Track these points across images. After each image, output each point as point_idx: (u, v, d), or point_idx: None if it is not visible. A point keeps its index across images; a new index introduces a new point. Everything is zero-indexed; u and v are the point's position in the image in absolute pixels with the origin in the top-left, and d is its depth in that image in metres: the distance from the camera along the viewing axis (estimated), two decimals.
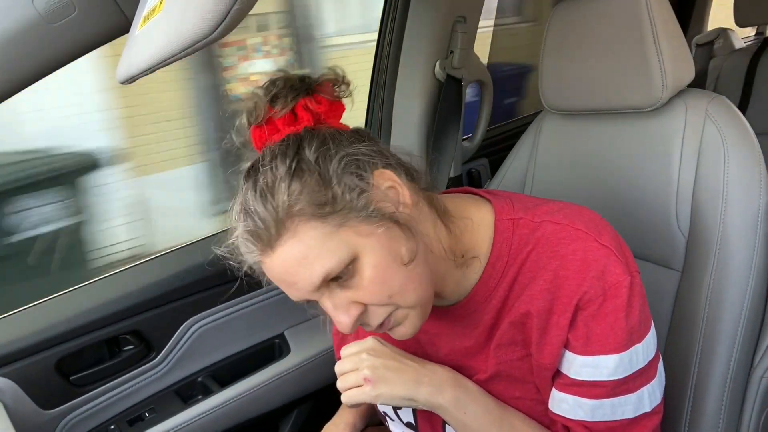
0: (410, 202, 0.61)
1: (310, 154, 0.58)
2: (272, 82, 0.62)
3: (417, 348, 0.76)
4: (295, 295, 0.61)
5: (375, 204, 0.59)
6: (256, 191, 0.57)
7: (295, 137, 0.59)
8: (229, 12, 0.40)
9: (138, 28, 0.58)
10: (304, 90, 0.61)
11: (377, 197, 0.59)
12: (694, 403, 0.81)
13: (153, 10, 0.53)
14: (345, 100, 0.65)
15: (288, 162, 0.57)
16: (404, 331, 0.65)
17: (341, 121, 0.65)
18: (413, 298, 0.62)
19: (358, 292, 0.60)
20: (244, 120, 0.62)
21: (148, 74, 0.53)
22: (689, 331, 0.82)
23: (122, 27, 0.69)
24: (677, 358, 0.84)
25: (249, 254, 0.60)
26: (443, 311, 0.72)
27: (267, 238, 0.57)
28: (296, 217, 0.56)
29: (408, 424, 0.80)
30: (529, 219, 0.67)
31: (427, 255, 0.64)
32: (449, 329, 0.72)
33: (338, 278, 0.59)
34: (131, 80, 0.57)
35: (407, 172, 0.65)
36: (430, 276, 0.64)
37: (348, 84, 0.64)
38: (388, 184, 0.60)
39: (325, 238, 0.57)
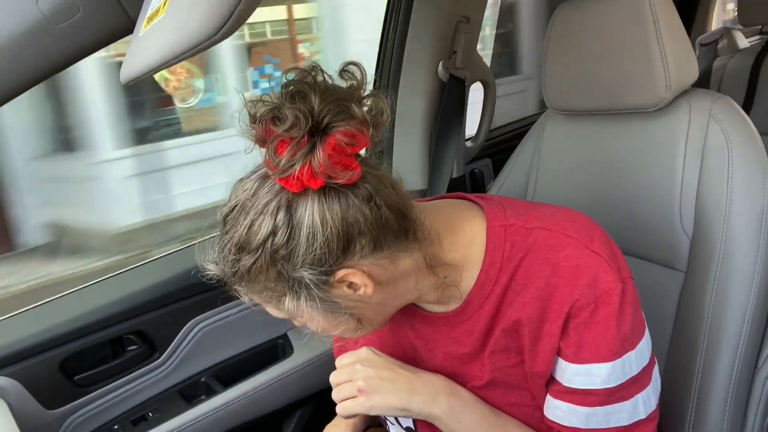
0: (373, 292, 0.60)
1: (277, 246, 0.55)
2: (280, 117, 0.53)
3: (413, 354, 0.76)
4: None
5: (326, 302, 0.60)
6: (231, 239, 0.58)
7: (276, 204, 0.55)
8: (233, 13, 0.40)
9: (142, 29, 0.58)
10: (305, 155, 0.52)
11: (335, 294, 0.60)
12: (698, 405, 0.80)
13: (157, 11, 0.53)
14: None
15: (258, 244, 0.55)
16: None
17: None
18: (357, 335, 0.68)
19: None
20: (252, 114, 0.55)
21: (152, 75, 0.53)
22: (693, 331, 0.82)
23: (126, 28, 0.69)
24: (681, 358, 0.83)
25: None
26: (439, 318, 0.71)
27: (227, 281, 0.61)
28: (246, 291, 0.61)
29: (407, 429, 0.80)
30: (521, 225, 0.66)
31: (384, 306, 0.66)
32: (445, 336, 0.72)
33: None
34: (135, 81, 0.57)
35: (396, 234, 0.60)
36: (384, 316, 0.68)
37: (381, 127, 0.56)
38: (352, 281, 0.59)
39: (271, 308, 0.63)
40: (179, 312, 1.15)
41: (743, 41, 2.18)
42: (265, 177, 0.57)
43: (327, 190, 0.55)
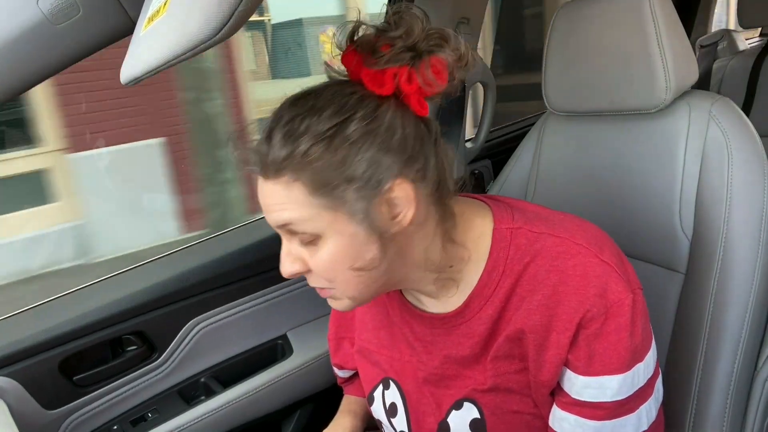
0: (408, 222, 0.60)
1: (350, 130, 0.56)
2: (386, 32, 0.57)
3: (412, 355, 0.75)
4: (267, 220, 0.63)
5: (370, 210, 0.58)
6: (287, 124, 0.57)
7: (358, 98, 0.57)
8: (233, 13, 0.40)
9: (142, 29, 0.58)
10: (409, 59, 0.56)
11: (377, 206, 0.58)
12: (697, 406, 0.80)
13: (157, 12, 0.53)
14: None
15: (327, 127, 0.55)
16: (336, 306, 0.68)
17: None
18: (352, 293, 0.64)
19: (309, 257, 0.62)
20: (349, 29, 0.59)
21: (152, 75, 0.53)
22: (693, 333, 0.82)
23: (126, 28, 0.69)
24: (681, 360, 0.83)
25: (253, 164, 0.60)
26: (437, 319, 0.70)
27: (265, 170, 0.58)
28: (295, 177, 0.57)
29: None
30: (528, 229, 0.65)
31: (392, 265, 0.63)
32: (444, 337, 0.71)
33: (299, 233, 0.60)
34: (135, 81, 0.57)
35: (439, 184, 0.62)
36: (382, 282, 0.65)
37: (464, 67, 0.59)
38: (400, 197, 0.58)
39: (306, 206, 0.58)
40: (179, 312, 1.15)
41: (743, 43, 2.18)
42: (346, 82, 0.59)
43: (405, 108, 0.59)
